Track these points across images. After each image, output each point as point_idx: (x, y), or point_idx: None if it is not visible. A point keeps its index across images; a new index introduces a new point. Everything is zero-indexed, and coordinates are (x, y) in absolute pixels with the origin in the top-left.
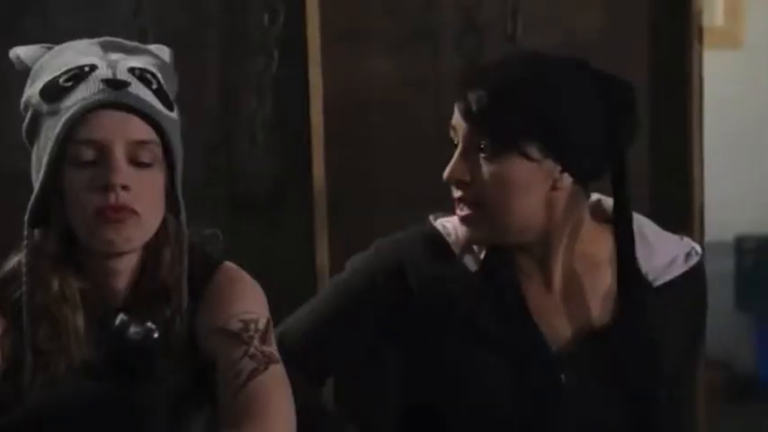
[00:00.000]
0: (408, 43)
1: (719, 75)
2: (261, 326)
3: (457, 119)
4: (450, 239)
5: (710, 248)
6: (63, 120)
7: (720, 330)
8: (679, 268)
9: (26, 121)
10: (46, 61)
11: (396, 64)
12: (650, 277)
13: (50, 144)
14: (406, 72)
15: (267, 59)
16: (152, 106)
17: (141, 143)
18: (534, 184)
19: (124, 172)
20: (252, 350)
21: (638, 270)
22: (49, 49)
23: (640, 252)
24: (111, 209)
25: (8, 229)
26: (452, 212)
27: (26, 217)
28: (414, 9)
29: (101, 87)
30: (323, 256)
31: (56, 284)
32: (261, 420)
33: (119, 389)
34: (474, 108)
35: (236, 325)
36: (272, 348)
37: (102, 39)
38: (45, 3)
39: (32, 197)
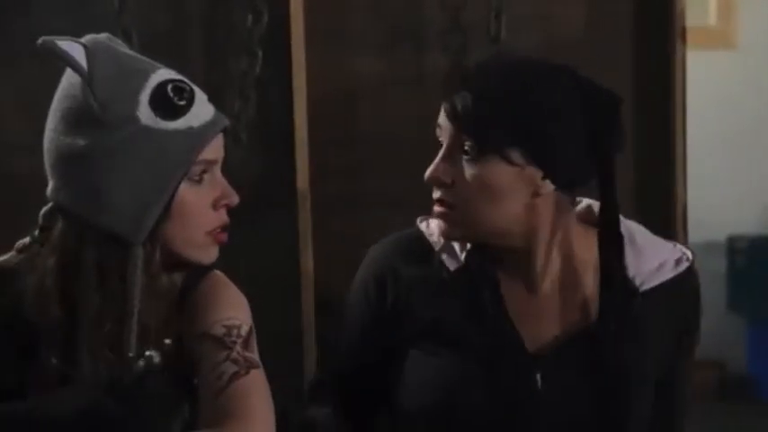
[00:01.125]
0: (393, 43)
1: (713, 75)
2: (243, 332)
3: (443, 118)
4: (432, 239)
5: (703, 248)
6: (197, 143)
7: (712, 330)
8: (668, 273)
9: (119, 131)
10: (110, 65)
11: (380, 64)
12: (637, 281)
13: (179, 162)
14: (391, 72)
15: (251, 59)
16: None
17: (224, 159)
18: (515, 189)
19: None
20: (234, 354)
21: (624, 274)
22: (82, 45)
23: (629, 256)
24: (224, 227)
25: (8, 229)
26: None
27: (138, 232)
28: (398, 9)
29: (214, 110)
30: (308, 258)
31: (158, 298)
32: (241, 421)
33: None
34: (459, 109)
35: (219, 330)
36: (254, 354)
37: (109, 36)
38: (28, 2)
39: (150, 213)
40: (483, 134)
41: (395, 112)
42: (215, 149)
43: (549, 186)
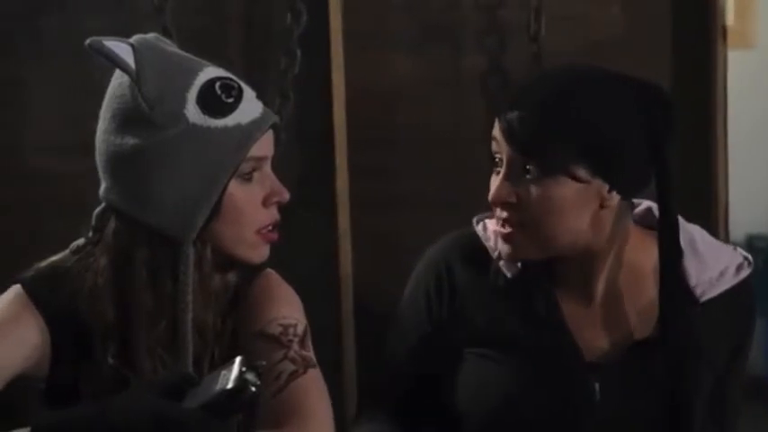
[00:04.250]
0: (430, 43)
1: (731, 75)
2: (299, 330)
3: (498, 133)
4: (489, 244)
5: None
6: (247, 139)
7: None
8: (728, 282)
9: (167, 130)
10: (158, 65)
11: (418, 64)
12: (698, 291)
13: (228, 159)
14: (429, 72)
15: (290, 59)
16: None
17: (273, 156)
18: (582, 205)
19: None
20: (291, 353)
21: (685, 284)
22: (131, 45)
23: (691, 265)
24: (274, 225)
25: (44, 229)
26: (489, 211)
27: (188, 231)
28: (436, 9)
29: (262, 107)
30: (346, 258)
31: (212, 297)
32: (301, 420)
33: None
34: (517, 131)
35: (275, 329)
36: (311, 353)
37: (157, 35)
38: (66, 2)
39: (200, 211)
40: (547, 155)
41: (432, 113)
42: (264, 146)
43: (615, 198)
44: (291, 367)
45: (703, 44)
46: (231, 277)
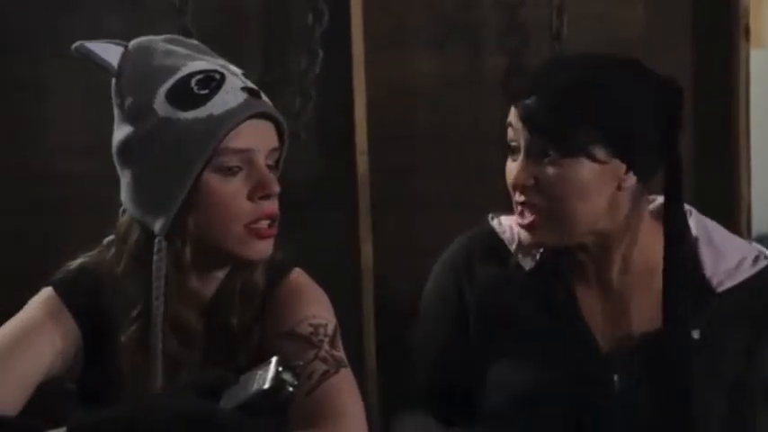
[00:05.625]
0: (451, 42)
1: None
2: (330, 330)
3: (515, 118)
4: (505, 237)
5: None
6: (216, 129)
7: None
8: (746, 272)
9: (138, 125)
10: (141, 64)
11: (439, 63)
12: (714, 282)
13: (197, 150)
14: (450, 71)
15: (311, 58)
16: (277, 112)
17: (274, 150)
18: (601, 185)
19: (274, 180)
20: (322, 353)
21: (700, 274)
22: (124, 46)
23: (706, 255)
24: (268, 219)
25: (50, 228)
26: (508, 212)
27: (161, 224)
28: (457, 8)
29: (245, 97)
30: (367, 257)
31: (188, 292)
32: (335, 420)
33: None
34: (536, 114)
35: (306, 329)
36: (342, 353)
37: (168, 36)
38: (85, 2)
39: (171, 204)
40: (565, 138)
41: (453, 112)
42: (249, 138)
43: (631, 179)
44: (323, 367)
45: (725, 43)
46: (258, 277)
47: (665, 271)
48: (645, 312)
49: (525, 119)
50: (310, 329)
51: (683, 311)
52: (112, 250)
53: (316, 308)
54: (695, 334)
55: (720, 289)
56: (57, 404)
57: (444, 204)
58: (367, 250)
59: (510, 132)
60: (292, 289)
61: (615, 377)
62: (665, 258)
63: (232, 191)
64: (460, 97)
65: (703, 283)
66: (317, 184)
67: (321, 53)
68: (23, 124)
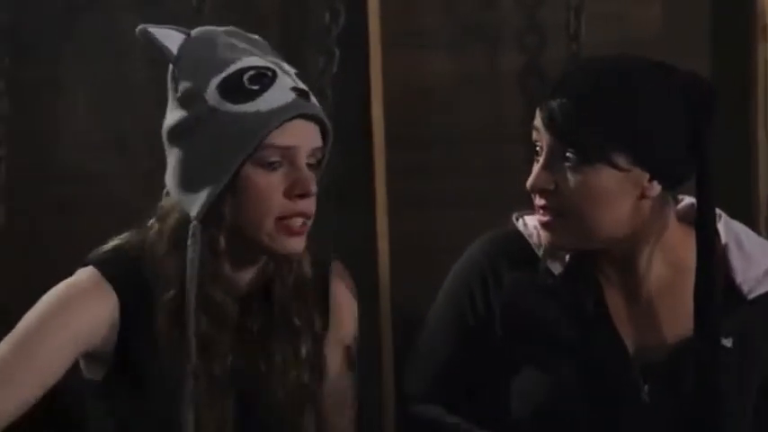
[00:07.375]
0: (469, 42)
1: None
2: (354, 348)
3: (539, 122)
4: (533, 241)
5: None
6: (260, 128)
7: None
8: None
9: (188, 111)
10: (199, 53)
11: (456, 63)
12: (745, 288)
13: (240, 144)
14: (467, 71)
15: (328, 58)
16: (324, 114)
17: (316, 149)
18: (622, 193)
19: (312, 179)
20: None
21: (731, 280)
22: (186, 34)
23: (737, 262)
24: (302, 217)
25: (67, 226)
26: (526, 211)
27: (197, 209)
28: (474, 8)
29: (293, 97)
30: (384, 257)
31: (223, 278)
32: None
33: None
34: (558, 119)
35: (353, 344)
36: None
37: (230, 29)
38: (103, 3)
39: (208, 191)
40: (586, 143)
41: (470, 112)
42: (294, 137)
43: (656, 188)
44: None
45: (743, 43)
46: (306, 266)
47: (697, 281)
48: (675, 318)
49: (547, 122)
50: (354, 343)
51: (715, 321)
52: (153, 230)
53: (353, 317)
54: (727, 342)
55: (752, 296)
56: (80, 402)
57: (462, 204)
58: (384, 250)
59: (534, 134)
60: (346, 293)
61: (645, 387)
62: (698, 269)
63: (270, 185)
64: (478, 97)
65: (734, 290)
66: (334, 184)
67: (338, 53)
68: (41, 123)
